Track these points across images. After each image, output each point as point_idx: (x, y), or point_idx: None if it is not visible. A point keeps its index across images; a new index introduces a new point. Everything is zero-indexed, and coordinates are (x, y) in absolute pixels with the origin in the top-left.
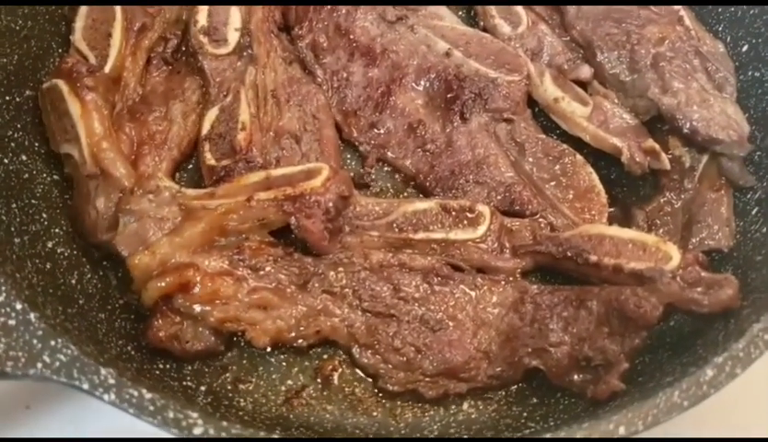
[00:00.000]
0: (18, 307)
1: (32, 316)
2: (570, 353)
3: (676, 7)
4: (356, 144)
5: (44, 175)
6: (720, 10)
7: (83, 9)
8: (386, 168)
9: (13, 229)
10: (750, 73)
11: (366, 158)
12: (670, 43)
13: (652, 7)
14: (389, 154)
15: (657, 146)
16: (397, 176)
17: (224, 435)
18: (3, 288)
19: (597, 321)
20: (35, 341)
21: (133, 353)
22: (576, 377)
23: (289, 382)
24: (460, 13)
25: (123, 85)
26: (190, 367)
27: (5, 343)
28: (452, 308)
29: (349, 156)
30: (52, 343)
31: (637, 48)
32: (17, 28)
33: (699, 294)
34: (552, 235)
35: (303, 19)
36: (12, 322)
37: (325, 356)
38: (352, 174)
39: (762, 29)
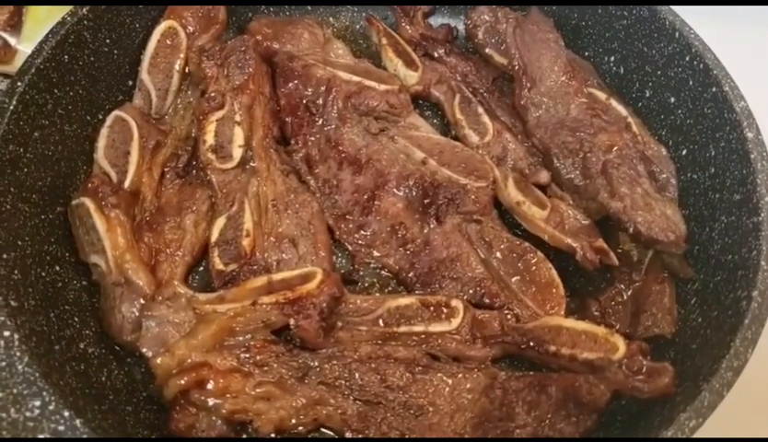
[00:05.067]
0: (66, 414)
1: (78, 422)
2: (533, 433)
3: (624, 114)
4: (346, 244)
5: (74, 282)
6: (662, 118)
7: (104, 131)
8: (372, 265)
9: (53, 337)
10: (688, 174)
11: (354, 257)
12: (618, 150)
13: (603, 116)
14: (374, 253)
15: (605, 246)
16: (382, 272)
17: None
18: (53, 398)
19: (555, 405)
20: None
21: None
22: None
23: None
24: (435, 121)
25: (141, 198)
26: None
27: None
28: (432, 395)
29: (340, 254)
30: None
31: (589, 155)
32: (50, 153)
33: (640, 382)
34: (517, 326)
35: (298, 133)
36: (61, 428)
37: None
38: (342, 271)
39: (697, 137)
